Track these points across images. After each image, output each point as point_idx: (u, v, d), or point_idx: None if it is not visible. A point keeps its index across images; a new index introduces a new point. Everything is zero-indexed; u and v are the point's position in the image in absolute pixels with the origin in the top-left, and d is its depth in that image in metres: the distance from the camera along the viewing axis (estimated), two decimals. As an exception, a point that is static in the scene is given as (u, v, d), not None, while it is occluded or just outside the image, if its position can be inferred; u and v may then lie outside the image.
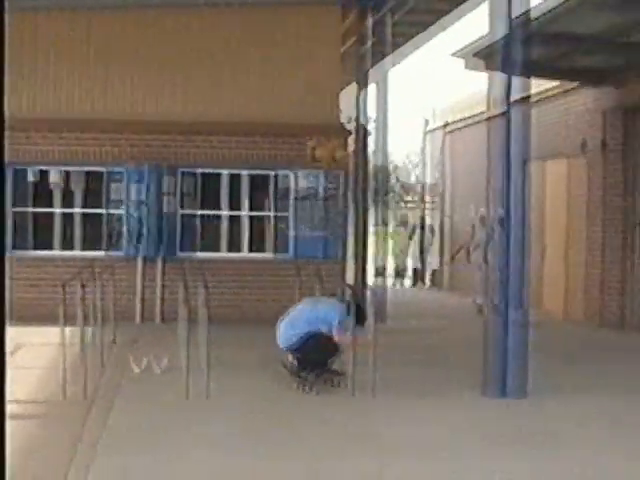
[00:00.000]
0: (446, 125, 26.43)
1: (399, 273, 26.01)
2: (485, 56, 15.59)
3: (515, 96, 10.03)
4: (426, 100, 25.83)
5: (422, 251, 25.87)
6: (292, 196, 17.02)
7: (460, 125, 24.85)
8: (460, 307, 19.77)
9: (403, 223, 27.07)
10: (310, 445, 7.97)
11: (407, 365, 12.22)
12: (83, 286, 10.35)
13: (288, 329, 10.75)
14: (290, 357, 10.84)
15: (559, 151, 18.07)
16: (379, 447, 7.92)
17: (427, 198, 26.33)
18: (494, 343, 10.22)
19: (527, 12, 10.22)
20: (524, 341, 10.09)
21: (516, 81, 10.08)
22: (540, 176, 18.99)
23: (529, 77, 10.43)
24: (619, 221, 16.42)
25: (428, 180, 26.18)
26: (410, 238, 25.11)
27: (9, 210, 15.53)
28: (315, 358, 10.65)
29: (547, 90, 17.88)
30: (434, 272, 26.17)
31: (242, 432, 8.34)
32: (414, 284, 26.51)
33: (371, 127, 19.13)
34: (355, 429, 8.62)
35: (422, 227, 25.25)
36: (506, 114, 10.18)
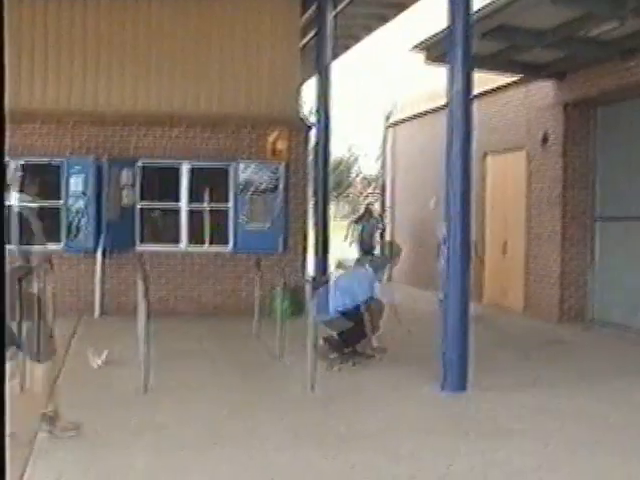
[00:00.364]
0: (388, 118, 26.65)
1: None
2: (428, 48, 15.82)
3: (457, 89, 10.16)
4: (389, 93, 25.89)
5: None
6: (252, 189, 16.86)
7: (406, 118, 24.96)
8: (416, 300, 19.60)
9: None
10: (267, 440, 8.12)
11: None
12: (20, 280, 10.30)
13: (332, 300, 11.59)
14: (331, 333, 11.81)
15: (516, 145, 18.23)
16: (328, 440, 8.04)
17: (369, 190, 26.24)
18: (441, 336, 10.35)
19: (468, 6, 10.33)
20: (463, 335, 10.12)
21: (459, 75, 10.21)
22: (500, 170, 19.28)
23: (472, 70, 10.50)
24: (580, 215, 16.44)
25: (388, 173, 26.28)
26: (363, 230, 24.92)
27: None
28: (356, 333, 11.73)
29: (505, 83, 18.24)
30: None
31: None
32: None
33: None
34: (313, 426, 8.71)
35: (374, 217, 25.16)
36: (449, 107, 10.32)
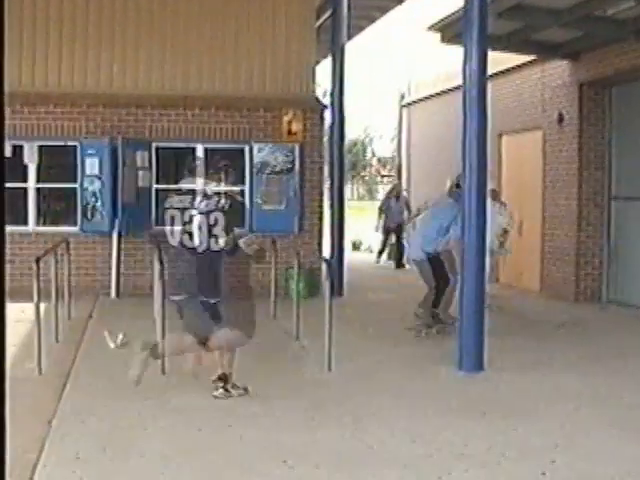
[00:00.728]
0: (402, 98, 26.68)
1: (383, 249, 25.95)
2: (443, 28, 15.78)
3: (472, 69, 10.13)
4: (404, 74, 25.94)
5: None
6: (267, 170, 16.85)
7: (422, 98, 24.90)
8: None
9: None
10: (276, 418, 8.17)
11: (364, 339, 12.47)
12: (56, 262, 10.43)
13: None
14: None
15: (531, 125, 18.18)
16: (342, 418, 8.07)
17: (384, 172, 26.24)
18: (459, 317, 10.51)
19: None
20: (479, 316, 10.14)
21: (475, 54, 10.17)
22: (515, 149, 19.23)
23: (487, 50, 10.45)
24: (595, 195, 16.43)
25: (404, 154, 26.23)
26: (381, 211, 24.70)
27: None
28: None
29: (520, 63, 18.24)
30: (392, 246, 26.19)
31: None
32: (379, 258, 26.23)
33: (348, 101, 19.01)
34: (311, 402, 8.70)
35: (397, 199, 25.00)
36: (464, 87, 10.30)
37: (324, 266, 14.64)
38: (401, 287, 18.84)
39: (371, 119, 78.77)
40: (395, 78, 27.08)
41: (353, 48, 18.72)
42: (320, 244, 17.41)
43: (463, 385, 9.68)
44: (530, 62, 17.92)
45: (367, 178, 57.38)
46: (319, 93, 19.19)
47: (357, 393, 9.16)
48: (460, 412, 8.42)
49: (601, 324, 14.32)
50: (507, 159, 19.39)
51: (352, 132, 59.08)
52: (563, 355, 11.45)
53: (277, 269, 14.67)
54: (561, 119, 16.97)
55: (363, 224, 28.53)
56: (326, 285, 10.67)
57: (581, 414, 8.40)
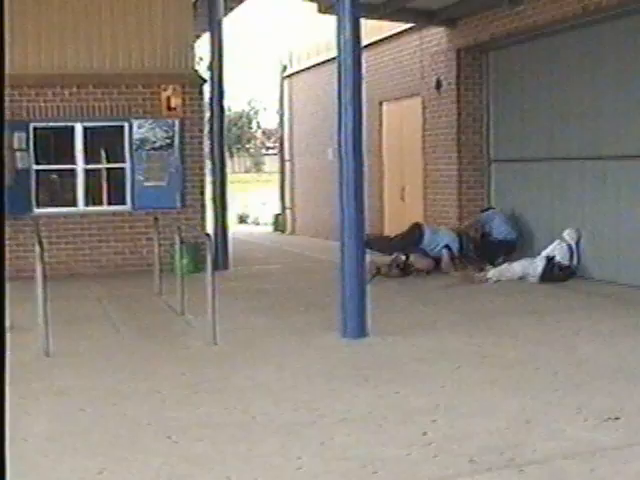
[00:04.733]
0: (284, 70, 26.64)
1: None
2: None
3: (346, 38, 10.13)
4: (286, 45, 26.00)
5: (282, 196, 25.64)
6: (148, 146, 16.80)
7: (302, 70, 25.03)
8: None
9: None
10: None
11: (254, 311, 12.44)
12: None
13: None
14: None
15: (411, 91, 18.36)
16: (224, 392, 8.04)
17: (270, 144, 26.42)
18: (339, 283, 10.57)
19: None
20: (360, 282, 10.21)
21: (347, 23, 10.18)
22: (396, 117, 19.44)
23: (360, 18, 10.48)
24: (475, 158, 16.70)
25: (286, 125, 26.26)
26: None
27: None
28: None
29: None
30: (276, 216, 26.27)
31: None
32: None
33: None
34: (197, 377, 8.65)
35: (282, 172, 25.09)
36: (339, 56, 10.30)
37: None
38: (287, 257, 19.00)
39: (256, 91, 79.11)
40: (277, 50, 26.99)
41: (236, 20, 18.56)
42: (203, 218, 17.35)
43: (346, 352, 9.74)
44: (408, 30, 18.06)
45: (253, 151, 57.32)
46: (203, 68, 19.03)
47: (242, 365, 9.16)
48: (343, 378, 8.46)
49: (483, 286, 14.37)
50: (388, 126, 19.53)
51: (238, 105, 59.07)
52: (447, 317, 11.61)
53: (161, 245, 14.60)
54: (439, 85, 17.14)
55: (251, 197, 28.51)
56: (209, 259, 10.53)
57: (462, 373, 8.52)
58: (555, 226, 14.94)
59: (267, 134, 45.10)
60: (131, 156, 16.95)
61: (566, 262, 14.35)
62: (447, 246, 15.54)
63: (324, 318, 11.43)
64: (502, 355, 9.34)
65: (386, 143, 19.49)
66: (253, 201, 27.07)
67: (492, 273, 14.64)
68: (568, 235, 14.54)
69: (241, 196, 24.87)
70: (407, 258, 15.57)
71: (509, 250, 15.57)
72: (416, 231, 15.84)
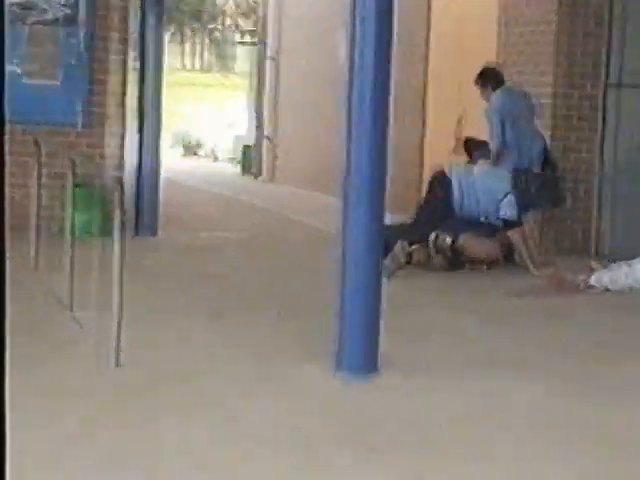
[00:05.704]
0: None
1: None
2: None
3: None
4: None
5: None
6: (32, 18, 16.09)
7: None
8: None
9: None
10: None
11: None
12: None
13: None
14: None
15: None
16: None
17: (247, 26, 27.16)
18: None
19: None
20: (372, 278, 9.83)
21: None
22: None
23: None
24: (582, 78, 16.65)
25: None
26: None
27: None
28: None
29: None
30: (246, 150, 25.41)
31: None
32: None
33: None
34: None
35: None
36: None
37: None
38: (258, 221, 19.11)
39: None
40: None
41: None
42: (122, 147, 16.18)
43: (340, 403, 9.27)
44: None
45: (218, 36, 57.21)
46: None
47: (146, 415, 8.28)
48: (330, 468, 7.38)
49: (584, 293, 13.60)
50: (439, 15, 19.43)
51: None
52: (524, 351, 11.02)
53: (41, 186, 13.65)
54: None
55: (209, 113, 28.78)
56: (117, 218, 9.88)
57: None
58: None
59: (243, 11, 44.72)
60: (1, 33, 16.05)
61: None
62: (507, 198, 14.68)
63: (308, 333, 10.46)
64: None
65: (434, 44, 18.85)
66: (212, 121, 27.25)
67: (598, 278, 13.42)
68: None
69: (192, 111, 24.94)
70: (454, 240, 14.19)
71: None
72: (437, 188, 14.92)
